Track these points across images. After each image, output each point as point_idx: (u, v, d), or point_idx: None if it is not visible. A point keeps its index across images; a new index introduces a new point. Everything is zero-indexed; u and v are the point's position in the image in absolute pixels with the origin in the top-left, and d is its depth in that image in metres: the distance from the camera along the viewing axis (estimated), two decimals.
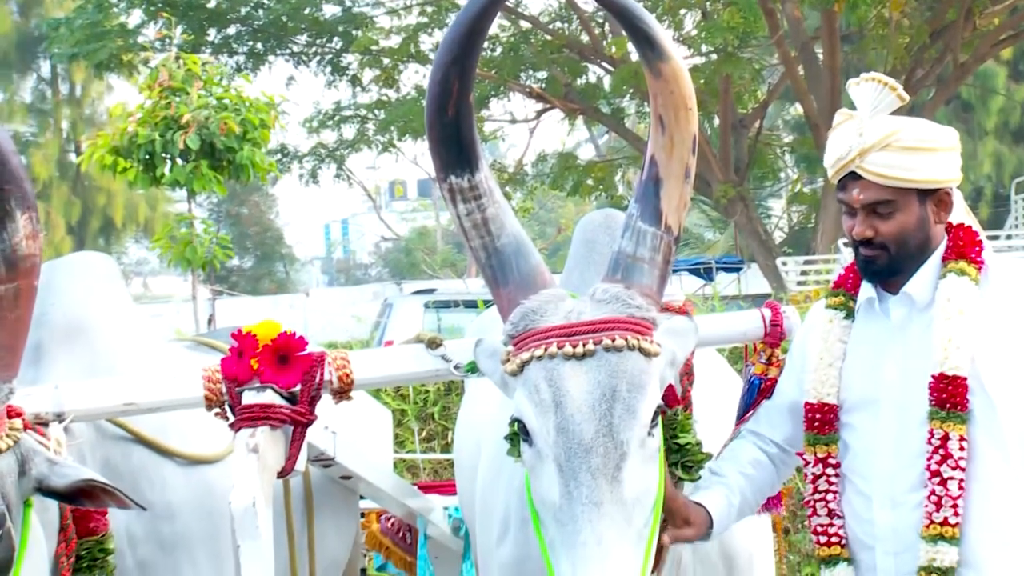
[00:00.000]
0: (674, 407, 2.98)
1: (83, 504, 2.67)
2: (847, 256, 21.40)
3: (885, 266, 3.01)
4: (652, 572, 3.03)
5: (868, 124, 2.99)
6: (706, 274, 25.91)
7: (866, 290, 3.11)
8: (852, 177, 2.99)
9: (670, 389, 2.95)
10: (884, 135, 2.95)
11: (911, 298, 3.03)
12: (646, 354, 2.69)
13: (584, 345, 2.67)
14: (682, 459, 2.97)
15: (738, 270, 26.92)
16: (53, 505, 2.81)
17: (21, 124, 40.65)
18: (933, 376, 2.90)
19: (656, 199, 2.79)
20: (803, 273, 23.70)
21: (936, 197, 3.02)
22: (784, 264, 24.43)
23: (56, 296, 3.41)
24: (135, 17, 23.62)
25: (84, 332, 3.41)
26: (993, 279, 3.01)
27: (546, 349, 2.69)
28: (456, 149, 2.81)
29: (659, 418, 2.74)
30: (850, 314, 3.14)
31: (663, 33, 2.74)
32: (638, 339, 2.69)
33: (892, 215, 2.98)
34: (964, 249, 3.01)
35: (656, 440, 2.72)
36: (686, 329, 2.88)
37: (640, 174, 2.86)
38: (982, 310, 2.95)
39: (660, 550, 2.93)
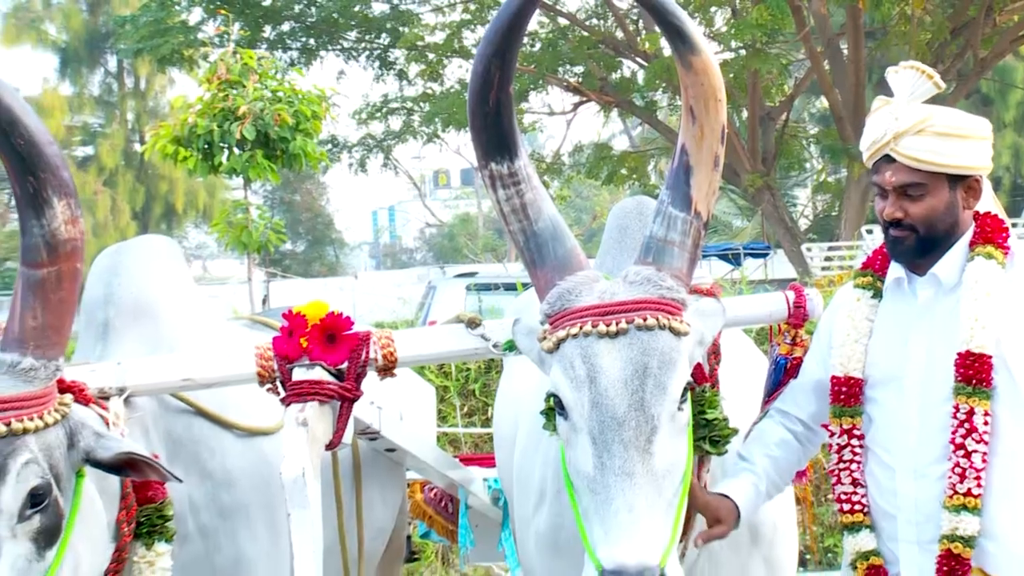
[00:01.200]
0: (702, 384, 2.98)
1: (128, 475, 2.68)
2: (870, 243, 21.41)
3: (913, 247, 3.01)
4: (680, 541, 3.04)
5: (904, 109, 2.99)
6: (734, 259, 25.83)
7: (894, 270, 3.11)
8: (886, 160, 3.00)
9: (698, 367, 2.96)
10: (918, 120, 2.95)
11: (938, 279, 3.03)
12: (676, 333, 2.70)
13: (617, 324, 2.67)
14: (709, 434, 2.95)
15: (765, 255, 26.81)
16: (114, 480, 2.83)
17: (90, 116, 40.92)
18: (959, 353, 2.90)
19: (686, 186, 2.79)
20: (827, 259, 23.60)
21: (966, 184, 3.02)
22: (809, 250, 24.33)
23: (123, 277, 3.42)
24: (196, 15, 23.67)
25: (149, 311, 3.42)
26: (1018, 264, 3.01)
27: (581, 327, 2.70)
28: (496, 137, 2.81)
29: (688, 394, 2.75)
30: (877, 293, 3.15)
31: (695, 28, 2.73)
32: (669, 319, 2.69)
33: (922, 198, 2.98)
34: (991, 235, 3.01)
35: (685, 415, 2.73)
36: (714, 310, 2.90)
37: (671, 163, 2.85)
38: (1007, 293, 2.94)
39: (687, 520, 2.94)
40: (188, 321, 3.52)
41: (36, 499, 2.53)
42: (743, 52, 23.52)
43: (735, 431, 3.03)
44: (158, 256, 3.62)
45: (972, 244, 3.02)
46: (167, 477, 2.70)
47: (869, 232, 22.90)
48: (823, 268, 22.46)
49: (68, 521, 2.60)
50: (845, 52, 23.50)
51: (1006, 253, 3.00)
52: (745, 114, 25.03)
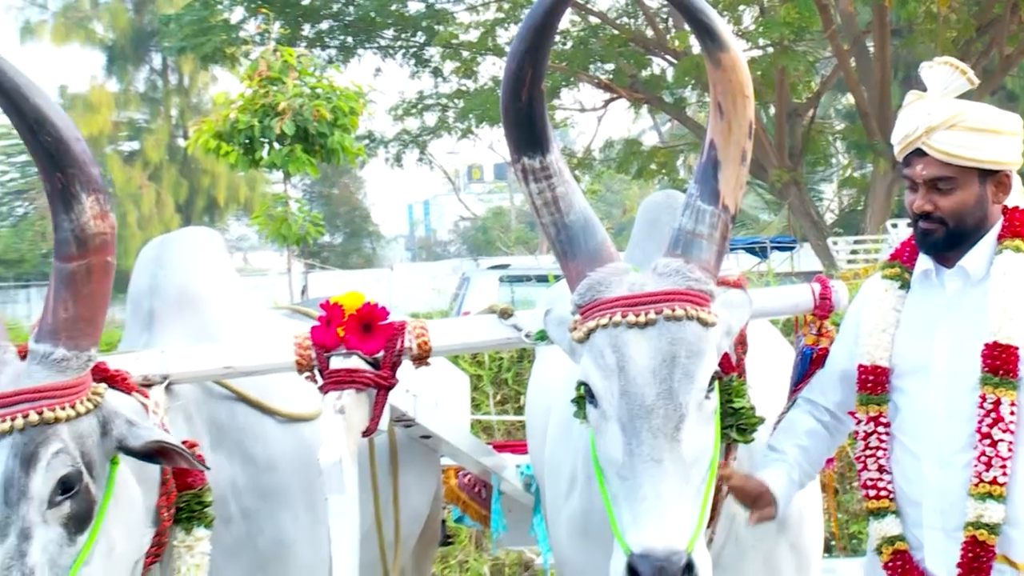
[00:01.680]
0: (729, 374, 2.97)
1: (160, 463, 2.68)
2: (895, 236, 21.30)
3: (941, 240, 2.99)
4: (707, 527, 3.03)
5: (937, 104, 2.98)
6: (761, 252, 25.68)
7: (923, 262, 3.09)
8: (917, 154, 2.97)
9: (725, 357, 2.96)
10: (951, 115, 2.93)
11: (966, 272, 3.01)
12: (704, 324, 2.69)
13: (646, 314, 2.67)
14: (737, 422, 2.94)
15: (791, 249, 26.64)
16: (154, 467, 2.83)
17: (135, 111, 41.14)
18: (987, 344, 2.88)
19: (714, 180, 2.78)
20: (853, 252, 23.47)
21: (996, 179, 2.99)
22: (835, 244, 24.22)
23: (168, 268, 3.44)
24: (237, 13, 23.74)
25: (192, 300, 3.43)
26: None
27: (611, 318, 2.69)
28: (529, 132, 2.81)
29: (716, 383, 2.74)
30: (905, 285, 3.12)
31: (723, 25, 2.72)
32: (697, 309, 2.68)
33: (952, 192, 2.96)
34: (1020, 229, 2.98)
35: (712, 403, 2.72)
36: (741, 302, 2.89)
37: (700, 157, 2.84)
38: None
39: (714, 508, 2.94)
40: (230, 311, 3.53)
41: (66, 486, 2.54)
42: (771, 50, 23.48)
43: (762, 420, 3.01)
44: (202, 247, 3.63)
45: (1000, 237, 2.99)
46: (196, 465, 2.70)
47: (894, 226, 22.79)
48: (849, 261, 22.34)
49: (101, 507, 2.61)
50: (871, 49, 23.35)
51: None
52: (773, 110, 24.96)
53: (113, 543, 2.63)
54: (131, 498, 2.74)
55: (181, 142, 39.00)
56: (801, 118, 26.11)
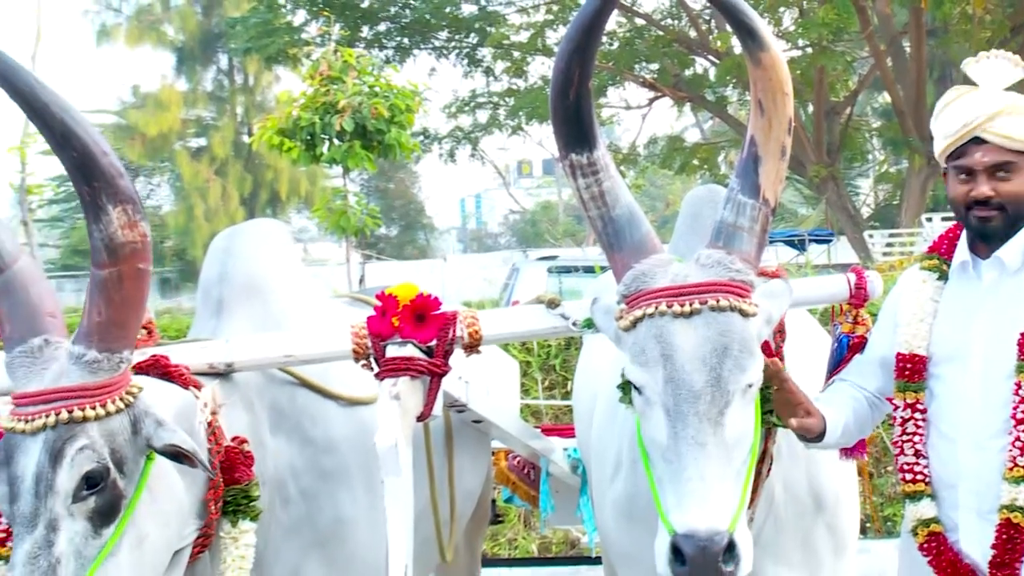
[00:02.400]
0: (768, 359, 2.93)
1: (181, 462, 2.67)
2: (929, 230, 21.11)
3: (1000, 227, 2.96)
4: (748, 507, 3.00)
5: (995, 93, 2.95)
6: (799, 245, 25.52)
7: (960, 254, 3.06)
8: (975, 142, 2.94)
9: (765, 344, 2.94)
10: (1010, 102, 2.92)
11: (1002, 262, 2.97)
12: (744, 314, 2.68)
13: (691, 304, 2.66)
14: (775, 408, 2.95)
15: (828, 242, 26.47)
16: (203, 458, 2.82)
17: (203, 110, 41.42)
18: (1022, 333, 2.85)
19: (755, 175, 2.76)
20: (888, 245, 23.29)
21: None
22: (871, 237, 24.04)
23: (236, 257, 3.45)
24: (300, 16, 23.92)
25: (259, 289, 3.43)
26: None
27: (656, 307, 2.68)
28: (576, 129, 2.80)
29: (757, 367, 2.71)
30: (943, 276, 3.10)
31: (764, 25, 2.71)
32: (739, 301, 2.68)
33: (1011, 177, 2.93)
34: None
35: (754, 389, 2.71)
36: (782, 291, 2.87)
37: (741, 153, 2.82)
38: None
39: (755, 488, 2.94)
40: (294, 299, 3.53)
41: (91, 481, 2.54)
42: (810, 50, 23.36)
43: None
44: (268, 239, 3.64)
45: None
46: (206, 469, 2.69)
47: (929, 220, 22.62)
48: (884, 254, 22.17)
49: (131, 501, 2.61)
50: (907, 49, 23.14)
51: None
52: (811, 108, 24.80)
53: (144, 534, 2.63)
54: (170, 491, 2.74)
55: (246, 138, 39.19)
56: (839, 116, 25.95)
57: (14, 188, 21.80)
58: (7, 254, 2.73)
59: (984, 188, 2.95)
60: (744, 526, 2.59)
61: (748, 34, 2.68)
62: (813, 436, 3.02)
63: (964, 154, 2.97)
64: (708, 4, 24.97)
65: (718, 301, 2.66)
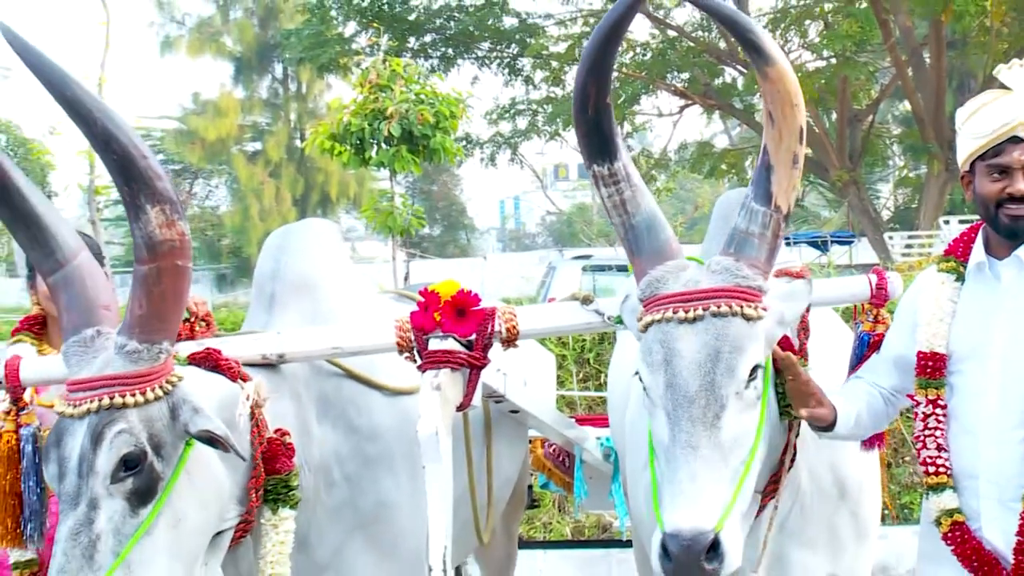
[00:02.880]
0: (787, 355, 2.94)
1: (216, 447, 2.67)
2: (947, 232, 20.95)
3: None
4: (772, 499, 2.99)
5: None
6: (822, 246, 25.37)
7: (976, 255, 3.02)
8: (1012, 141, 2.90)
9: (786, 340, 2.94)
10: None
11: (1021, 261, 2.93)
12: (748, 319, 2.67)
13: (695, 311, 2.67)
14: (789, 398, 2.94)
15: (850, 243, 26.29)
16: (244, 448, 2.83)
17: (259, 116, 41.66)
18: None
19: (767, 183, 2.74)
20: (907, 246, 23.12)
21: None
22: (891, 238, 23.88)
23: (289, 255, 3.46)
24: (350, 28, 24.01)
25: (310, 285, 3.43)
26: None
27: (663, 314, 2.70)
28: (597, 142, 2.81)
29: (759, 372, 2.70)
30: (960, 277, 3.05)
31: (769, 40, 2.67)
32: (742, 306, 2.67)
33: None
34: None
35: (753, 392, 2.69)
36: (799, 293, 2.86)
37: (757, 161, 2.80)
38: None
39: (779, 478, 2.97)
40: (343, 294, 3.53)
41: (129, 463, 2.56)
42: (834, 60, 23.26)
43: None
44: (319, 237, 3.63)
45: None
46: (237, 452, 2.69)
47: (946, 223, 22.46)
48: (903, 255, 22.03)
49: (168, 483, 2.62)
50: (927, 60, 22.94)
51: None
52: (835, 116, 24.66)
53: (181, 516, 2.65)
54: (210, 476, 2.75)
55: (298, 143, 39.40)
56: (861, 123, 25.80)
57: (83, 189, 21.96)
58: (68, 250, 2.76)
59: (1021, 185, 2.90)
60: (734, 524, 2.57)
61: (754, 50, 2.65)
62: (824, 425, 3.00)
63: (1000, 153, 2.92)
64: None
65: (719, 307, 2.66)
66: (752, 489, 2.73)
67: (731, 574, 2.55)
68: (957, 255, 3.08)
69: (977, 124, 2.96)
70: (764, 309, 2.72)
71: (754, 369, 2.68)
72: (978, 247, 3.04)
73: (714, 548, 2.49)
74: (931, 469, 3.01)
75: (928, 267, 3.21)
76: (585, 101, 2.78)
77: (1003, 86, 3.02)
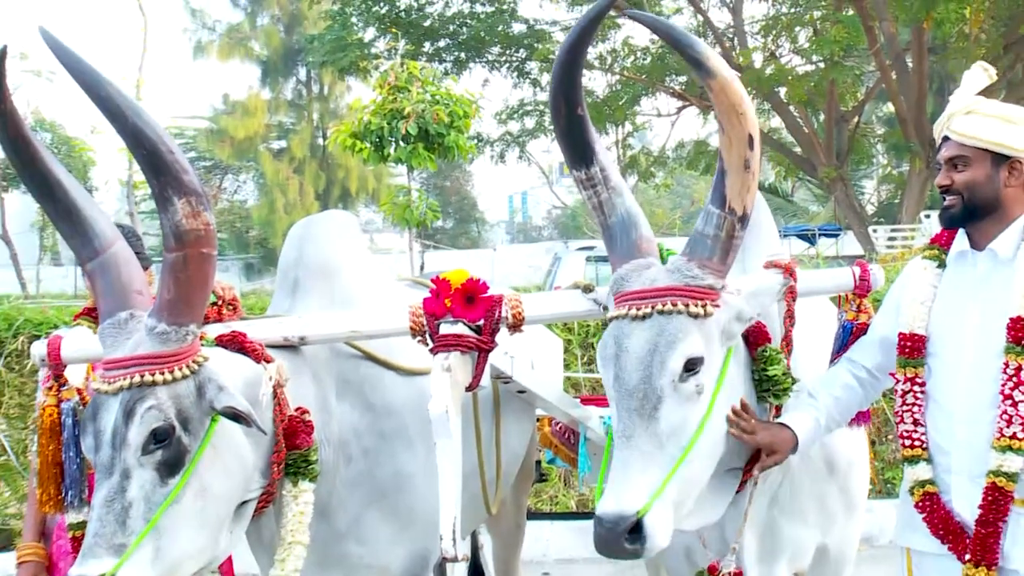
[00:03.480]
0: (763, 345, 2.96)
1: (239, 422, 2.69)
2: (927, 226, 20.97)
3: (959, 213, 2.95)
4: (753, 483, 2.97)
5: (960, 95, 2.97)
6: (810, 239, 25.32)
7: (958, 244, 3.03)
8: (944, 140, 2.96)
9: (761, 330, 2.95)
10: (969, 104, 2.93)
11: (995, 253, 2.93)
12: (693, 316, 2.68)
13: (644, 308, 2.69)
14: (772, 387, 2.95)
15: (836, 236, 26.21)
16: (266, 424, 2.86)
17: (284, 116, 41.69)
18: (1011, 318, 2.81)
19: (722, 186, 2.73)
20: (890, 239, 22.99)
21: (1009, 164, 2.92)
22: (875, 232, 23.78)
23: (311, 243, 3.45)
24: (370, 33, 23.92)
25: (331, 272, 3.43)
26: None
27: (619, 311, 2.74)
28: (572, 149, 2.84)
29: (700, 366, 2.70)
30: (941, 264, 3.06)
31: (711, 54, 2.64)
32: (688, 303, 2.68)
33: (965, 169, 2.92)
34: None
35: (692, 384, 2.68)
36: (764, 290, 2.88)
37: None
38: None
39: (754, 460, 2.96)
40: (361, 281, 3.52)
41: (158, 437, 2.58)
42: (822, 64, 23.14)
43: (796, 381, 3.01)
44: (340, 228, 3.63)
45: None
46: (258, 427, 2.70)
47: (927, 216, 22.41)
48: (887, 247, 21.92)
49: (195, 456, 2.64)
50: (910, 65, 22.88)
51: None
52: (823, 116, 24.56)
53: (207, 486, 2.66)
54: (234, 450, 2.76)
55: (320, 141, 39.51)
56: (847, 123, 25.69)
57: (122, 184, 22.04)
58: (105, 239, 2.78)
59: (941, 177, 2.97)
60: (662, 507, 2.58)
61: (695, 65, 2.64)
62: (783, 459, 2.99)
63: (938, 150, 3.01)
64: (731, 24, 24.95)
65: (664, 305, 2.67)
66: (704, 472, 2.74)
67: (658, 551, 2.58)
68: (941, 244, 3.09)
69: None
70: (715, 306, 2.72)
71: (693, 363, 2.67)
72: (961, 237, 3.04)
73: (637, 530, 2.52)
74: (907, 442, 3.01)
75: (913, 258, 3.21)
76: (558, 115, 2.81)
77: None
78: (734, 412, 2.85)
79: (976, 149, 2.91)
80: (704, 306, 2.70)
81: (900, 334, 3.03)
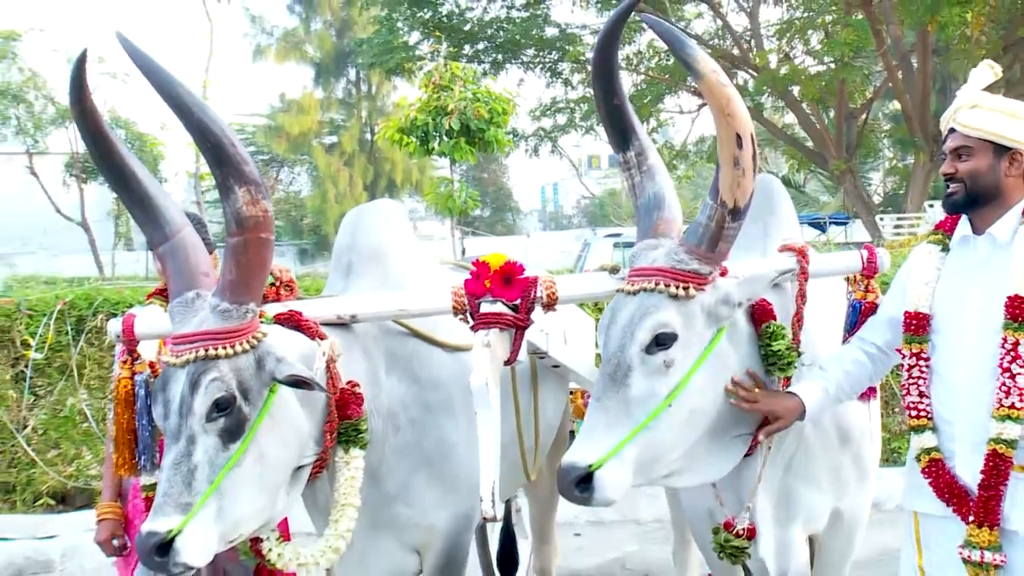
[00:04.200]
0: (767, 322, 2.96)
1: (302, 388, 2.71)
2: (931, 215, 20.79)
3: (961, 200, 2.92)
4: (766, 448, 3.00)
5: (967, 90, 2.93)
6: (821, 227, 25.12)
7: (961, 229, 2.99)
8: (950, 131, 2.92)
9: (762, 308, 2.97)
10: (974, 98, 2.89)
11: (994, 238, 2.89)
12: (674, 296, 2.70)
13: (635, 286, 2.72)
14: (777, 361, 2.94)
15: (845, 224, 25.99)
16: (320, 396, 2.87)
17: (335, 113, 41.79)
18: (1009, 297, 2.77)
19: (716, 180, 2.73)
20: (896, 227, 22.80)
21: (1010, 155, 2.88)
22: (881, 220, 23.57)
23: (363, 230, 3.46)
24: (414, 36, 23.92)
25: (381, 255, 3.43)
26: None
27: (620, 286, 2.79)
28: (612, 135, 2.89)
29: (673, 343, 2.70)
30: (945, 248, 3.02)
31: (701, 57, 2.61)
32: (669, 284, 2.70)
33: (968, 159, 2.89)
34: None
35: (659, 358, 2.69)
36: (759, 279, 2.87)
37: None
38: None
39: (761, 428, 2.96)
40: (408, 264, 3.52)
41: (220, 406, 2.60)
42: (833, 65, 22.92)
43: (799, 355, 3.01)
44: (389, 215, 3.63)
45: None
46: (322, 389, 2.74)
47: (931, 206, 22.22)
48: (894, 234, 21.76)
49: (253, 424, 2.65)
50: (915, 65, 22.63)
51: None
52: (833, 113, 24.33)
53: (265, 452, 2.68)
54: (291, 418, 2.77)
55: (368, 136, 39.62)
56: (856, 119, 25.46)
57: (189, 176, 22.17)
58: (175, 225, 2.80)
59: (946, 166, 2.94)
60: (618, 465, 2.61)
61: (687, 66, 2.63)
62: (787, 425, 2.99)
63: (945, 141, 2.97)
64: (748, 27, 24.72)
65: (649, 284, 2.71)
66: (679, 438, 2.75)
67: (608, 503, 2.62)
68: (946, 229, 3.06)
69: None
70: (699, 289, 2.73)
71: (664, 338, 2.68)
72: (964, 223, 3.01)
73: (588, 481, 2.57)
74: (914, 413, 2.99)
75: (919, 244, 3.17)
76: (599, 104, 2.86)
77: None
78: (733, 383, 2.87)
79: (980, 140, 2.87)
80: (686, 288, 2.72)
81: (906, 312, 3.00)
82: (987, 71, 2.96)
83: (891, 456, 7.84)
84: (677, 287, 2.70)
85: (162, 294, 3.65)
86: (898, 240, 18.70)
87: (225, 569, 3.59)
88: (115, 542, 3.61)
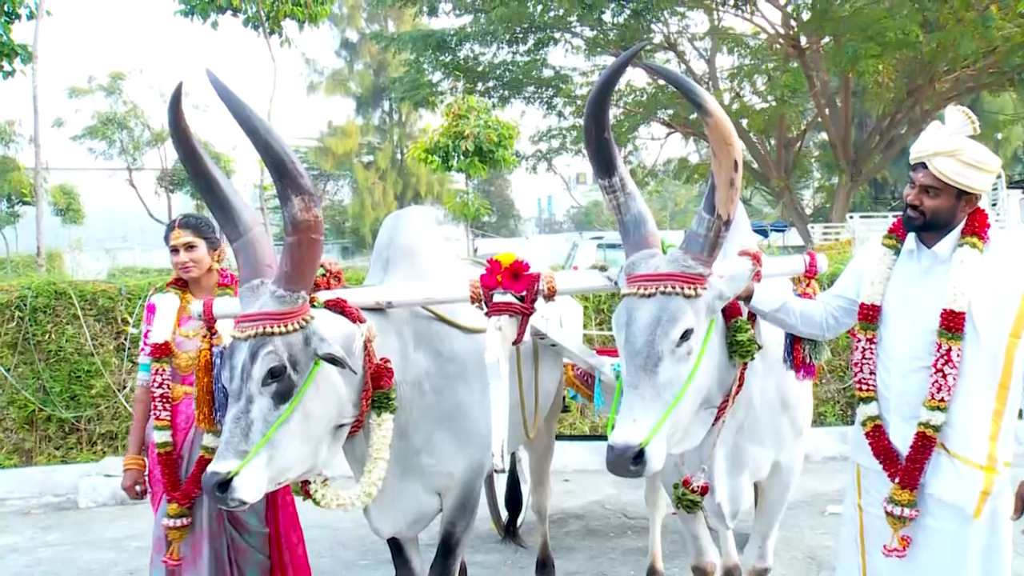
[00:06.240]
0: (735, 317, 2.89)
1: (337, 365, 2.66)
2: (851, 225, 20.92)
3: (919, 226, 2.82)
4: (724, 413, 2.93)
5: (948, 137, 2.78)
6: (764, 233, 25.08)
7: (910, 243, 2.91)
8: (922, 165, 2.78)
9: (733, 305, 2.89)
10: (955, 148, 2.74)
11: (936, 254, 2.83)
12: (687, 297, 2.63)
13: (650, 289, 2.64)
14: (740, 349, 2.87)
15: (783, 231, 25.93)
16: (357, 369, 2.82)
17: (372, 137, 41.86)
18: (944, 310, 2.72)
19: (712, 198, 2.67)
20: (824, 233, 22.79)
21: (968, 198, 2.79)
22: (812, 228, 23.59)
23: (399, 231, 3.41)
24: (437, 76, 23.95)
25: (414, 252, 3.39)
26: (993, 249, 2.79)
27: (631, 290, 2.68)
28: (598, 163, 2.78)
29: (691, 335, 2.64)
30: (896, 252, 2.95)
31: (709, 98, 2.57)
32: (683, 287, 2.63)
33: (935, 198, 2.78)
34: (977, 228, 2.79)
35: (684, 349, 2.63)
36: (739, 276, 2.78)
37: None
38: (982, 269, 2.74)
39: (728, 400, 2.90)
40: (436, 260, 3.48)
41: (274, 373, 2.57)
42: (774, 103, 22.98)
43: (760, 347, 2.95)
44: (422, 219, 3.58)
45: (963, 232, 2.81)
46: (351, 368, 2.68)
47: (851, 217, 22.43)
48: (823, 238, 21.87)
49: (300, 390, 2.62)
50: (839, 103, 22.72)
51: (984, 241, 2.79)
52: (774, 141, 24.36)
53: (309, 412, 2.64)
54: (331, 387, 2.73)
55: (399, 156, 39.60)
56: (792, 146, 25.59)
57: (255, 186, 22.13)
58: (247, 224, 2.78)
59: (913, 197, 2.82)
60: (658, 442, 2.53)
61: (698, 106, 2.57)
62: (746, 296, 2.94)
63: (915, 169, 2.83)
64: (707, 71, 24.66)
65: (666, 287, 2.63)
66: (689, 413, 2.69)
67: (656, 471, 2.54)
68: (898, 235, 2.96)
69: (916, 144, 2.86)
70: (703, 288, 2.68)
71: (686, 332, 2.63)
72: (912, 237, 2.93)
73: (639, 456, 2.48)
74: (863, 387, 2.95)
75: (876, 236, 3.07)
76: (588, 137, 2.76)
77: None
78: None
79: (947, 185, 2.76)
80: (695, 289, 2.66)
81: (861, 304, 2.95)
82: (968, 125, 2.79)
83: (818, 418, 7.84)
84: (691, 288, 2.65)
85: (177, 284, 3.61)
86: (826, 244, 18.74)
87: (239, 566, 3.51)
88: (137, 488, 3.55)
